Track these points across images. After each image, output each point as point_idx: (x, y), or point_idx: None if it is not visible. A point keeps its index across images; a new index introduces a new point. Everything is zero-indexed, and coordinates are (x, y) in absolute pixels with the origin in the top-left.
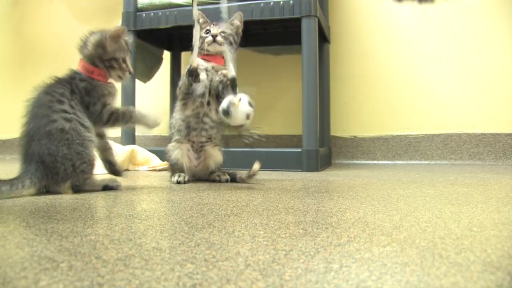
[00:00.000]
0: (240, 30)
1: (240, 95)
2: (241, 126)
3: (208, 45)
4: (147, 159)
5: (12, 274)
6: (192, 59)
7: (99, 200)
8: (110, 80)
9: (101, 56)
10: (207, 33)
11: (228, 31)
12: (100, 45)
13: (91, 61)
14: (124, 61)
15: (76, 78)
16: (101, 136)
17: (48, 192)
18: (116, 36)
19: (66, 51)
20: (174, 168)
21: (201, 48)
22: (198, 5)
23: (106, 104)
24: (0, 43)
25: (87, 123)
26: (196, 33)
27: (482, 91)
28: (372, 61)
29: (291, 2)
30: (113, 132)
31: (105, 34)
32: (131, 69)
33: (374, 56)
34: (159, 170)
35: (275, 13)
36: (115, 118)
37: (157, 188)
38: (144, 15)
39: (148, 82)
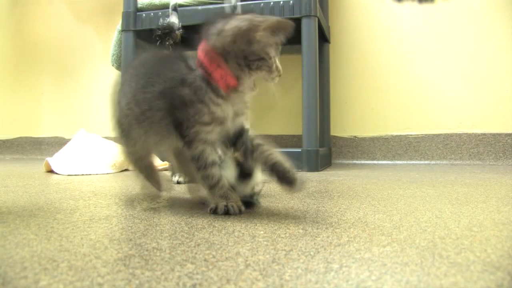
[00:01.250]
0: None
1: None
2: None
3: None
4: None
5: (12, 274)
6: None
7: (99, 200)
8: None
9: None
10: None
11: None
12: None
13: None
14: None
15: None
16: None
17: None
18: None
19: (66, 51)
20: (175, 168)
21: None
22: (199, 5)
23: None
24: (0, 43)
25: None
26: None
27: (482, 91)
28: (372, 61)
29: (291, 2)
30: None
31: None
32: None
33: (374, 56)
34: (159, 170)
35: (275, 13)
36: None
37: None
38: (144, 15)
39: None
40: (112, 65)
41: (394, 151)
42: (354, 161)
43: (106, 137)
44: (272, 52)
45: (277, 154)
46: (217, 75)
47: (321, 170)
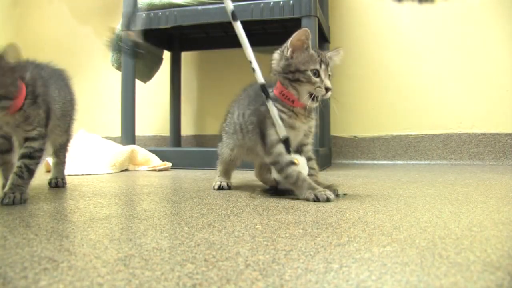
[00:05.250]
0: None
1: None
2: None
3: (315, 101)
4: (147, 159)
5: (12, 274)
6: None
7: (99, 200)
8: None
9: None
10: (315, 75)
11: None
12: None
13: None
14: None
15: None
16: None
17: None
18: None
19: (66, 51)
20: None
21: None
22: (199, 5)
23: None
24: (0, 43)
25: None
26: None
27: (482, 91)
28: (372, 61)
29: (291, 2)
30: (113, 132)
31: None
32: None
33: (374, 56)
34: (159, 170)
35: (275, 13)
36: None
37: (157, 188)
38: (144, 15)
39: (148, 82)
40: (112, 65)
41: (394, 151)
42: (354, 161)
43: (106, 137)
44: (310, 65)
45: (315, 171)
46: (276, 93)
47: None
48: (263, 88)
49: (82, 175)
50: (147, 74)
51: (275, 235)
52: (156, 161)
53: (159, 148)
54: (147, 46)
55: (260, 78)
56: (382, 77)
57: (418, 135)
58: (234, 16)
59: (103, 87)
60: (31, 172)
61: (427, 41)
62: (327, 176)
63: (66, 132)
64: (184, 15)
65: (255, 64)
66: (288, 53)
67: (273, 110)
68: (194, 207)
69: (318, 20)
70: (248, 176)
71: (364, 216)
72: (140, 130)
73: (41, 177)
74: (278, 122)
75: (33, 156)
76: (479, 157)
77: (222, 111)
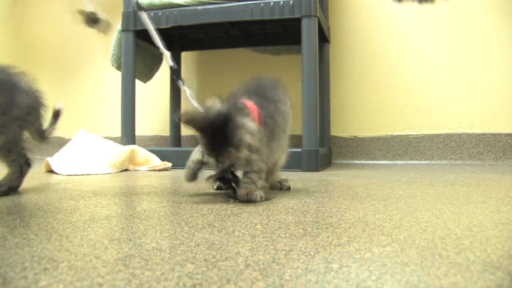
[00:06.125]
0: None
1: None
2: None
3: None
4: (147, 159)
5: (12, 274)
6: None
7: (99, 200)
8: None
9: None
10: None
11: None
12: None
13: None
14: None
15: None
16: None
17: None
18: None
19: (66, 51)
20: None
21: None
22: (198, 5)
23: None
24: (0, 43)
25: None
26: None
27: (482, 91)
28: (372, 61)
29: (291, 2)
30: (113, 132)
31: None
32: None
33: (374, 56)
34: (159, 170)
35: (275, 13)
36: None
37: (157, 188)
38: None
39: (148, 82)
40: (112, 65)
41: (394, 151)
42: (354, 161)
43: (106, 137)
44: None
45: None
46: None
47: (321, 170)
48: (175, 73)
49: (82, 175)
50: (147, 74)
51: (275, 235)
52: (156, 161)
53: (159, 148)
54: (147, 46)
55: (170, 62)
56: (382, 77)
57: (418, 135)
58: (139, 7)
59: (103, 87)
60: None
61: (427, 41)
62: (327, 176)
63: None
64: (184, 15)
65: (163, 49)
66: None
67: (188, 92)
68: (194, 207)
69: (318, 20)
70: None
71: (364, 216)
72: (140, 130)
73: (40, 177)
74: (193, 103)
75: None
76: (479, 157)
77: None
